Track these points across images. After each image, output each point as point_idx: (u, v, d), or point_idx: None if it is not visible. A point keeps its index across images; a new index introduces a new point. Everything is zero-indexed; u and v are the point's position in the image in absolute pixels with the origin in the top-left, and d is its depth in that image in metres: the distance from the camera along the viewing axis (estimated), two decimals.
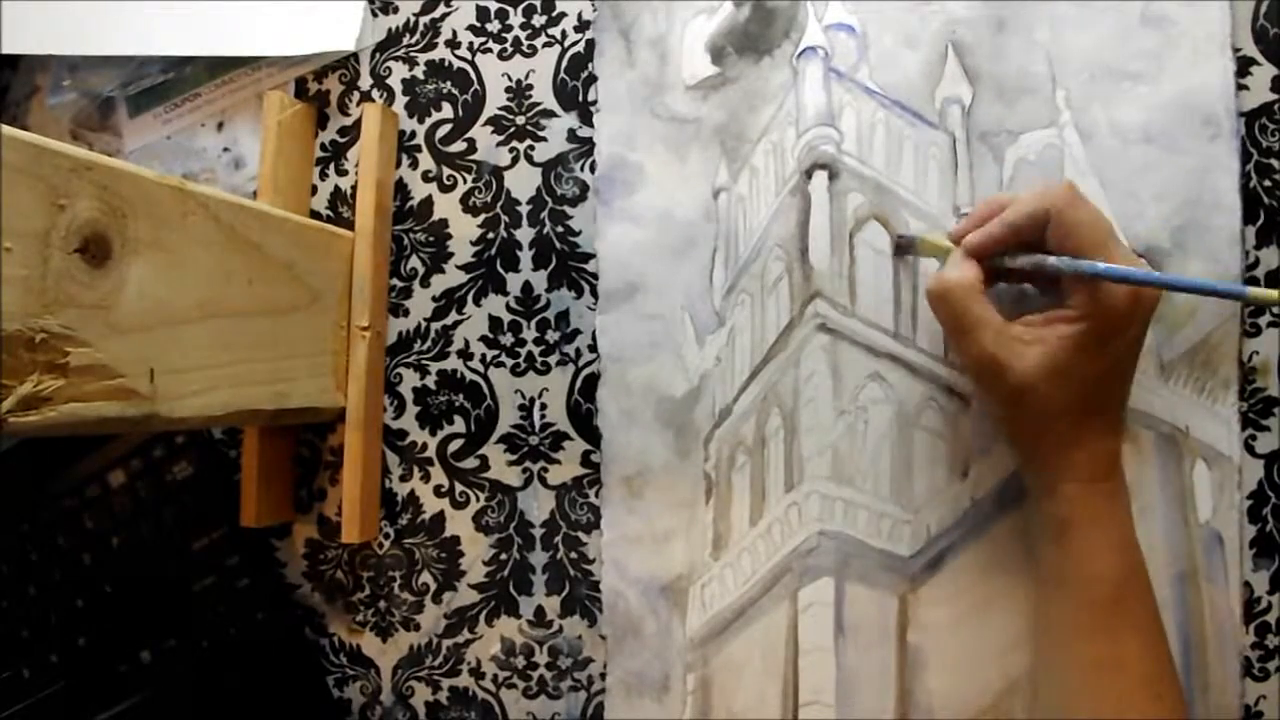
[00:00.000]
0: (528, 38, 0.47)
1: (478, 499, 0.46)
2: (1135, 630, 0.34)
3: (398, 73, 0.48)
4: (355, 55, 0.49)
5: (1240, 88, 0.39)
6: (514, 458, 0.46)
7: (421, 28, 0.48)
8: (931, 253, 0.40)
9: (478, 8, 0.47)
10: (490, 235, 0.47)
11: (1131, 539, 0.35)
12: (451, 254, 0.47)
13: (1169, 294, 0.39)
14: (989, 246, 0.36)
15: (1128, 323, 0.34)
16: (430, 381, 0.47)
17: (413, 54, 0.48)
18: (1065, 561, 0.35)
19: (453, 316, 0.47)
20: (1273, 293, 0.33)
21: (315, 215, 0.49)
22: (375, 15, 0.48)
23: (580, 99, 0.46)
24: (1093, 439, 0.35)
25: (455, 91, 0.47)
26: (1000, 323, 0.35)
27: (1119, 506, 0.35)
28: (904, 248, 0.41)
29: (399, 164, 0.48)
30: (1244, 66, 0.39)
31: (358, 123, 0.48)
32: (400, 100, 0.48)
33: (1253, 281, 0.39)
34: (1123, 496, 0.36)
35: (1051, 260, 0.35)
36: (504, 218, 0.47)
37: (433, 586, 0.47)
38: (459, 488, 0.47)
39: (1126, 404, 0.37)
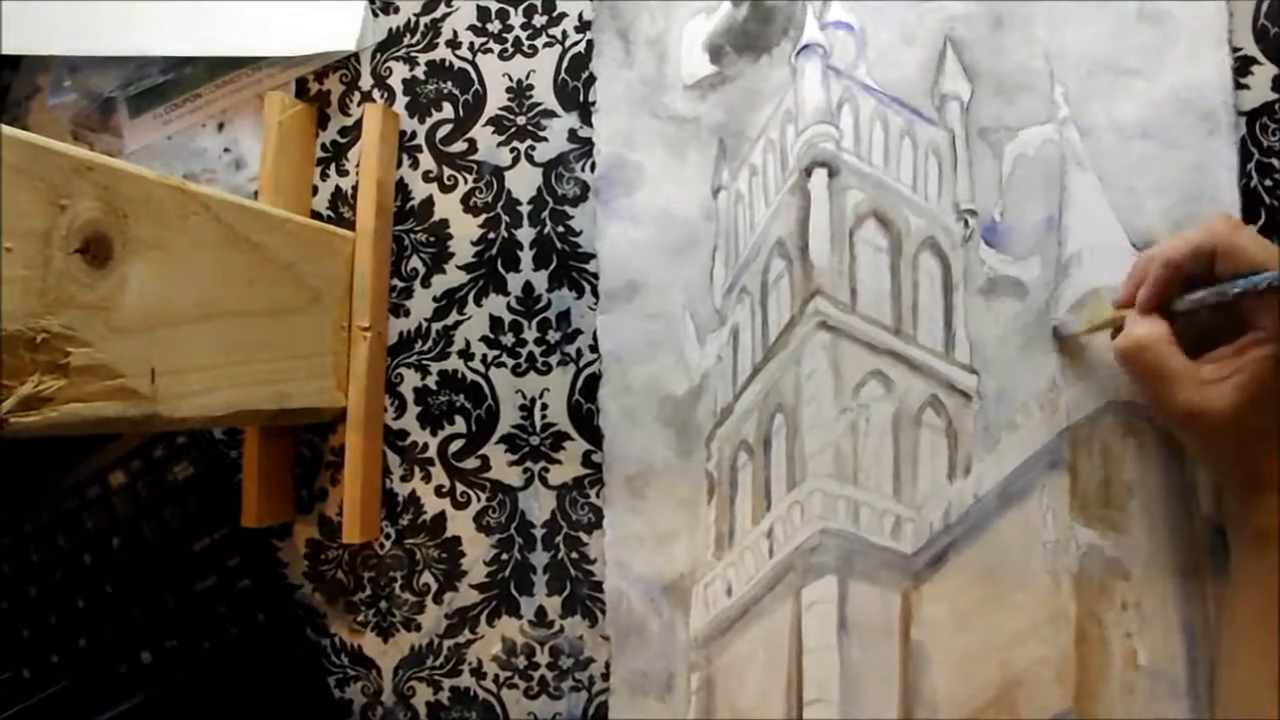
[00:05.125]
0: (528, 38, 0.47)
1: (479, 499, 0.46)
2: None
3: (398, 73, 0.48)
4: (356, 55, 0.49)
5: (1241, 87, 0.39)
6: (515, 458, 0.46)
7: (422, 28, 0.48)
8: (1099, 327, 0.39)
9: (478, 8, 0.47)
10: (491, 235, 0.47)
11: None
12: (452, 254, 0.47)
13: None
14: (1160, 293, 0.35)
15: None
16: (431, 381, 0.47)
17: (413, 54, 0.48)
18: (1265, 571, 0.34)
19: (453, 316, 0.47)
20: None
21: (316, 215, 0.49)
22: (376, 15, 0.49)
23: (581, 99, 0.46)
24: None
25: (456, 91, 0.48)
26: (1193, 370, 0.34)
27: None
28: (1062, 335, 0.40)
29: (400, 164, 0.48)
30: (1245, 66, 0.39)
31: (358, 123, 0.48)
32: (401, 100, 0.48)
33: None
34: None
35: (1233, 285, 0.33)
36: (505, 218, 0.47)
37: (434, 587, 0.46)
38: (460, 488, 0.47)
39: None
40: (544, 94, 0.46)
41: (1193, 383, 0.34)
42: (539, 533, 0.45)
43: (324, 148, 0.49)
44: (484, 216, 0.47)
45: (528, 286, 0.46)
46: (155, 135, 0.51)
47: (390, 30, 0.48)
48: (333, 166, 0.49)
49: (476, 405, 0.46)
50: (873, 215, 0.42)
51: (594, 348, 0.45)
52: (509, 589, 0.46)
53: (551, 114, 0.46)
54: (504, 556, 0.46)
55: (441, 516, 0.47)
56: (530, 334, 0.46)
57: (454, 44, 0.48)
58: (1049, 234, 0.40)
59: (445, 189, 0.47)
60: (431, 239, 0.47)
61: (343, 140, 0.49)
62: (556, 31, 0.46)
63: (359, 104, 0.49)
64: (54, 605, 0.47)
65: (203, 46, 0.48)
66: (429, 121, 0.48)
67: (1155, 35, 0.40)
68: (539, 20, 0.47)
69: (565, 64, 0.46)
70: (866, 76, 0.42)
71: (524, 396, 0.46)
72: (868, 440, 0.41)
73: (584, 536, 0.45)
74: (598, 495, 0.45)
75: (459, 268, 0.47)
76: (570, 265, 0.46)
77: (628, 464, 0.44)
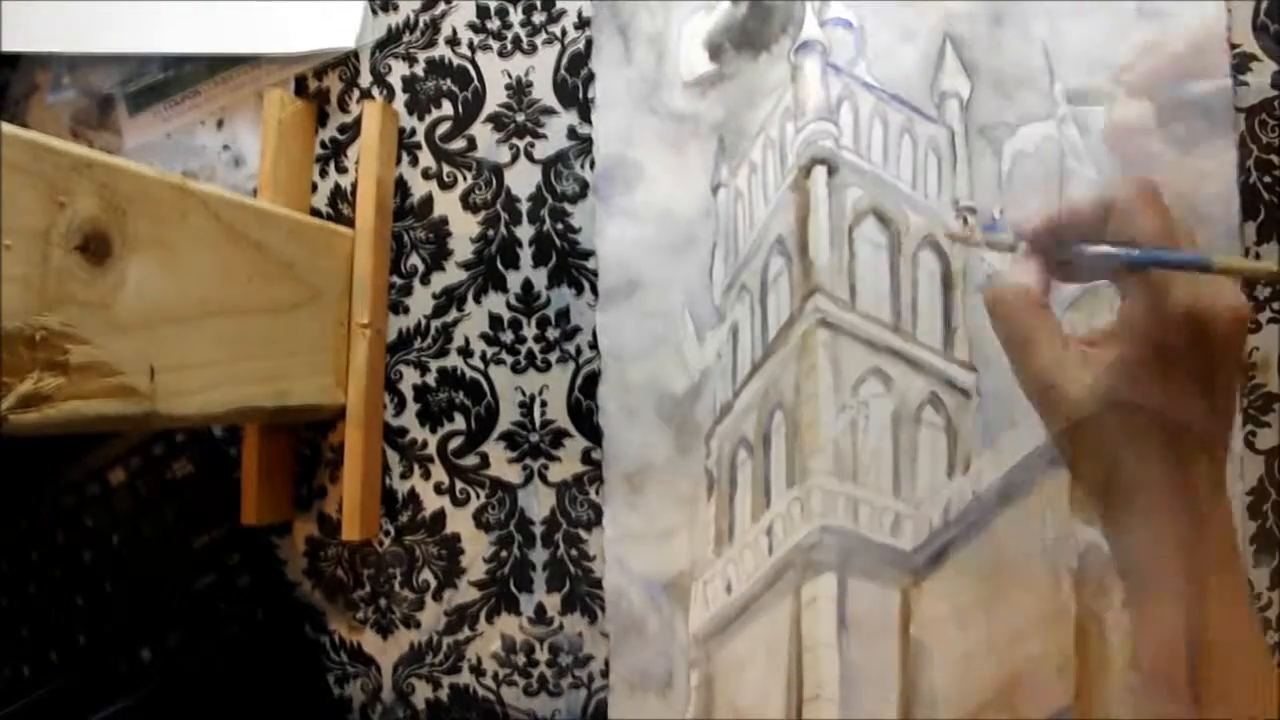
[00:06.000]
0: (528, 35, 0.47)
1: (478, 496, 0.46)
2: None
3: (398, 70, 0.48)
4: (355, 53, 0.49)
5: (1240, 84, 0.39)
6: (514, 455, 0.46)
7: (421, 25, 0.48)
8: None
9: (478, 5, 0.47)
10: (490, 233, 0.47)
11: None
12: (452, 251, 0.47)
13: None
14: (1044, 232, 0.30)
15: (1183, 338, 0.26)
16: (430, 379, 0.47)
17: (413, 51, 0.48)
18: None
19: (453, 314, 0.47)
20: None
21: (315, 213, 0.49)
22: (375, 13, 0.48)
23: (580, 96, 0.46)
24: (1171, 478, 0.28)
25: (455, 89, 0.47)
26: (1059, 338, 0.29)
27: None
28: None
29: (399, 161, 0.48)
30: (1244, 62, 0.39)
31: (358, 120, 0.48)
32: (400, 98, 0.48)
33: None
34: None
35: (1090, 249, 0.28)
36: (504, 215, 0.47)
37: (433, 584, 0.47)
38: (459, 485, 0.47)
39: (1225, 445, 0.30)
40: (543, 91, 0.46)
41: (1053, 350, 0.29)
42: (538, 530, 0.45)
43: (323, 145, 0.49)
44: (483, 214, 0.47)
45: (527, 284, 0.46)
46: (154, 133, 0.51)
47: (389, 28, 0.48)
48: (332, 164, 0.49)
49: (476, 402, 0.46)
50: (872, 212, 0.42)
51: (593, 345, 0.45)
52: (508, 586, 0.46)
53: (551, 111, 0.46)
54: (503, 554, 0.46)
55: (441, 514, 0.47)
56: (530, 331, 0.46)
57: (453, 41, 0.48)
58: None
59: (445, 186, 0.47)
60: (431, 236, 0.47)
61: (342, 138, 0.49)
62: (556, 29, 0.46)
63: (358, 101, 0.49)
64: (53, 603, 0.47)
65: (202, 44, 0.48)
66: (428, 119, 0.48)
67: (1154, 32, 0.40)
68: (538, 18, 0.46)
69: (565, 61, 0.46)
70: (866, 74, 0.42)
71: (523, 394, 0.46)
72: (867, 437, 0.41)
73: (583, 534, 0.45)
74: (597, 493, 0.45)
75: (458, 265, 0.47)
76: (570, 263, 0.46)
77: (627, 461, 0.44)
